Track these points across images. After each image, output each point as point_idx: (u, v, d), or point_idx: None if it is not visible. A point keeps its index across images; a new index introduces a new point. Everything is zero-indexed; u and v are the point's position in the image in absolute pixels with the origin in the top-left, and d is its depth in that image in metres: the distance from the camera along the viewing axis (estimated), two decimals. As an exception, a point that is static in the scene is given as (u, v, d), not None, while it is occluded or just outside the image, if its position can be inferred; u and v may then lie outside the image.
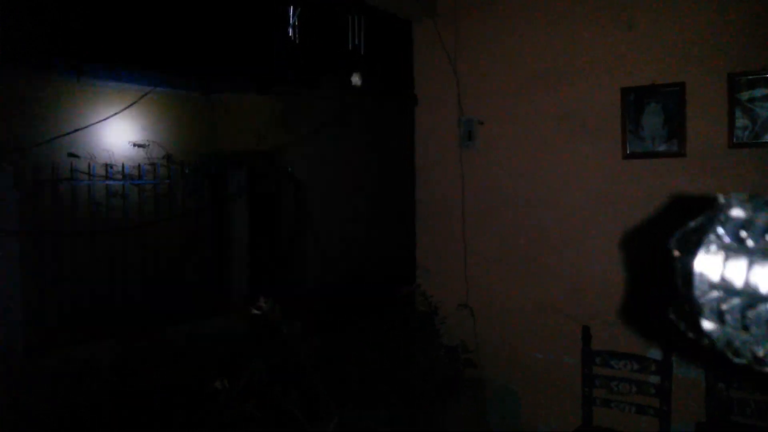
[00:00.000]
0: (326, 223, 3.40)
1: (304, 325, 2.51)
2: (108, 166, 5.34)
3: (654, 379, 3.05)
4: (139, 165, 5.53)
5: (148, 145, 6.42)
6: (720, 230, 0.49)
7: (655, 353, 3.12)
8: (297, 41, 3.07)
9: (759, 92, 2.89)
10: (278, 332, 2.50)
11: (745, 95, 2.92)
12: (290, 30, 3.15)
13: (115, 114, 5.84)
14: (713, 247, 0.49)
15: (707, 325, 0.49)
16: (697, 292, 0.49)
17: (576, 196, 3.43)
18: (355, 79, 3.29)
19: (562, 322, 3.46)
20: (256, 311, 2.49)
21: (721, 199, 0.51)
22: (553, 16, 3.46)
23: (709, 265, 0.49)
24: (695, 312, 0.49)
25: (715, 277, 0.49)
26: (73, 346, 2.31)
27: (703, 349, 0.50)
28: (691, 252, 0.50)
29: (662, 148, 3.16)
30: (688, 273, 0.49)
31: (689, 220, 0.52)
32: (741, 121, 2.93)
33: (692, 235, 0.51)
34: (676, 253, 0.52)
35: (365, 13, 3.47)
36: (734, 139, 2.96)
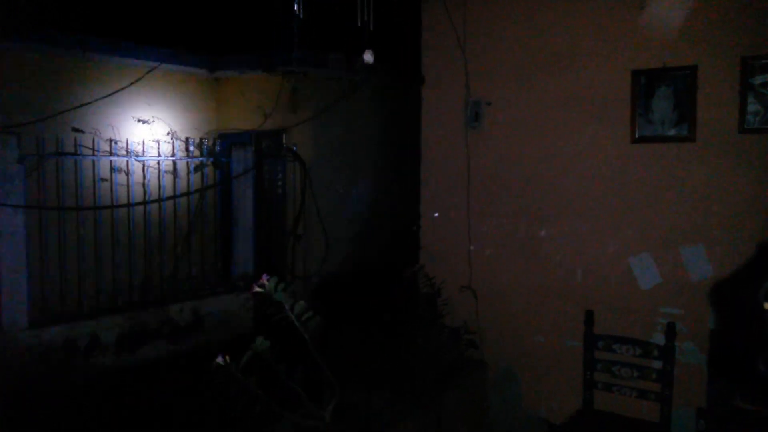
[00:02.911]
0: (331, 203, 3.39)
1: (308, 305, 2.51)
2: (112, 142, 5.32)
3: (656, 364, 3.05)
4: (143, 141, 5.52)
5: (153, 121, 6.38)
6: None
7: (659, 338, 3.12)
8: (303, 19, 3.03)
9: (772, 77, 2.84)
10: (282, 311, 2.50)
11: (757, 79, 2.88)
12: (297, 7, 3.11)
13: (121, 90, 5.80)
14: None
15: None
16: None
17: (583, 180, 3.40)
18: (367, 57, 3.24)
19: (565, 305, 3.46)
20: (259, 289, 2.49)
21: None
22: (564, -4, 3.41)
23: None
24: None
25: None
26: (79, 321, 2.33)
27: None
28: None
29: (672, 132, 3.13)
30: None
31: None
32: (753, 106, 2.90)
33: None
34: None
35: (373, -9, 3.42)
36: (745, 125, 2.92)
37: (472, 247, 3.78)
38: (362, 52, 3.29)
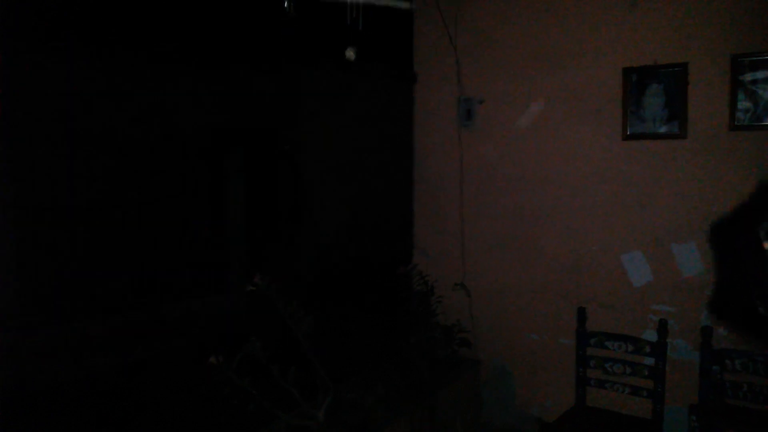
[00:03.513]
0: (324, 201, 3.38)
1: (302, 304, 2.50)
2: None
3: (648, 360, 3.07)
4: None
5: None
6: None
7: (650, 335, 3.14)
8: (293, 16, 3.01)
9: (762, 74, 2.86)
10: (275, 311, 2.49)
11: (747, 77, 2.89)
12: (286, 4, 3.09)
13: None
14: None
15: None
16: None
17: (575, 177, 3.42)
18: (349, 54, 3.24)
19: (558, 303, 3.47)
20: (251, 288, 2.48)
21: None
22: (556, -6, 3.41)
23: None
24: None
25: None
26: (70, 320, 2.30)
27: None
28: None
29: (663, 129, 3.14)
30: None
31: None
32: (743, 103, 2.91)
33: None
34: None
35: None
36: (735, 122, 2.94)
37: (465, 246, 3.79)
38: (347, 49, 3.28)
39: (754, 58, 2.87)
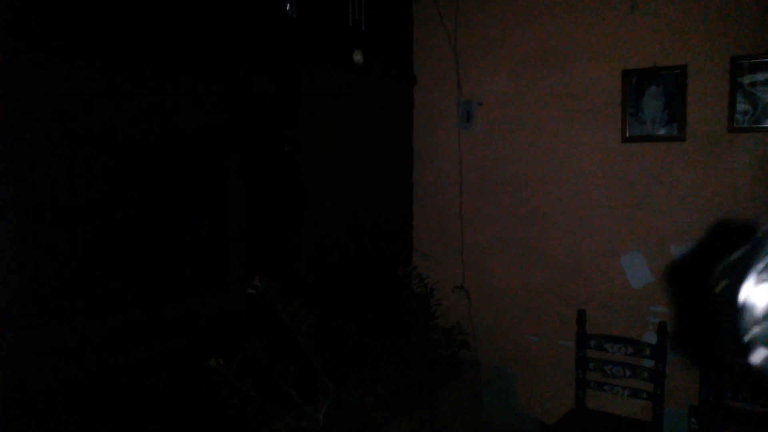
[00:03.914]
0: (324, 203, 3.38)
1: (302, 304, 2.50)
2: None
3: (648, 363, 3.07)
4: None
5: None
6: None
7: (650, 337, 3.14)
8: (295, 16, 3.01)
9: (761, 76, 2.87)
10: (275, 311, 2.49)
11: (746, 79, 2.90)
12: (288, 5, 3.09)
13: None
14: (764, 276, 0.47)
15: (760, 354, 0.47)
16: (746, 323, 0.47)
17: (574, 179, 3.42)
18: (357, 57, 3.25)
19: (558, 305, 3.47)
20: (251, 290, 2.48)
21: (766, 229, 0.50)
22: (556, -4, 3.42)
23: (760, 295, 0.47)
24: (744, 342, 0.47)
25: (764, 307, 0.47)
26: (70, 320, 2.29)
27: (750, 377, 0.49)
28: (738, 281, 0.48)
29: (662, 131, 3.15)
30: (735, 303, 0.48)
31: (732, 251, 0.51)
32: (742, 105, 2.92)
33: (738, 265, 0.49)
34: (723, 283, 0.50)
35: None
36: (734, 124, 2.95)
37: (464, 247, 3.79)
38: (355, 52, 3.29)
39: (753, 61, 2.88)
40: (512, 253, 3.64)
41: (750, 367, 0.48)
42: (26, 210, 2.19)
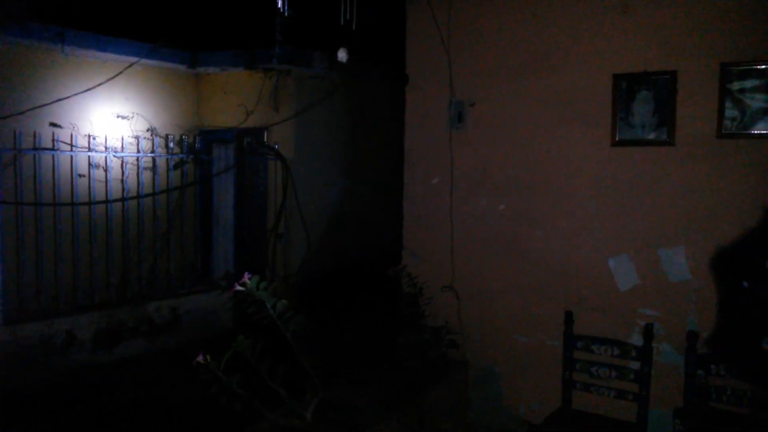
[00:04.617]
0: (313, 201, 3.37)
1: (291, 303, 2.49)
2: (90, 137, 5.24)
3: (634, 364, 3.09)
4: (121, 137, 5.44)
5: (132, 116, 6.29)
6: None
7: (637, 338, 3.16)
8: (288, 16, 3.01)
9: (750, 83, 2.90)
10: (263, 309, 2.48)
11: (735, 86, 2.93)
12: (281, 4, 3.09)
13: (100, 85, 5.73)
14: None
15: None
16: None
17: (564, 182, 3.44)
18: (341, 55, 3.24)
19: (546, 305, 3.49)
20: (240, 288, 2.47)
21: None
22: (548, -1, 3.44)
23: None
24: None
25: None
26: (55, 318, 2.28)
27: None
28: None
29: (651, 136, 3.17)
30: None
31: None
32: (730, 111, 2.95)
33: None
34: None
35: (359, -10, 3.42)
36: (723, 130, 2.97)
37: (454, 248, 3.80)
38: (339, 50, 3.28)
39: (743, 68, 2.91)
40: (501, 254, 3.65)
41: None
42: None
